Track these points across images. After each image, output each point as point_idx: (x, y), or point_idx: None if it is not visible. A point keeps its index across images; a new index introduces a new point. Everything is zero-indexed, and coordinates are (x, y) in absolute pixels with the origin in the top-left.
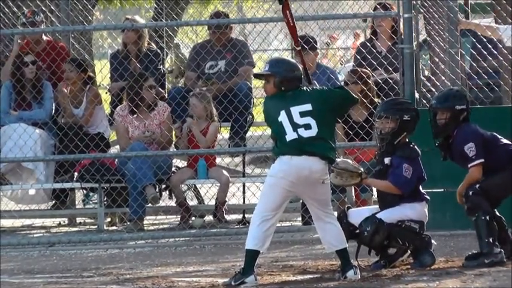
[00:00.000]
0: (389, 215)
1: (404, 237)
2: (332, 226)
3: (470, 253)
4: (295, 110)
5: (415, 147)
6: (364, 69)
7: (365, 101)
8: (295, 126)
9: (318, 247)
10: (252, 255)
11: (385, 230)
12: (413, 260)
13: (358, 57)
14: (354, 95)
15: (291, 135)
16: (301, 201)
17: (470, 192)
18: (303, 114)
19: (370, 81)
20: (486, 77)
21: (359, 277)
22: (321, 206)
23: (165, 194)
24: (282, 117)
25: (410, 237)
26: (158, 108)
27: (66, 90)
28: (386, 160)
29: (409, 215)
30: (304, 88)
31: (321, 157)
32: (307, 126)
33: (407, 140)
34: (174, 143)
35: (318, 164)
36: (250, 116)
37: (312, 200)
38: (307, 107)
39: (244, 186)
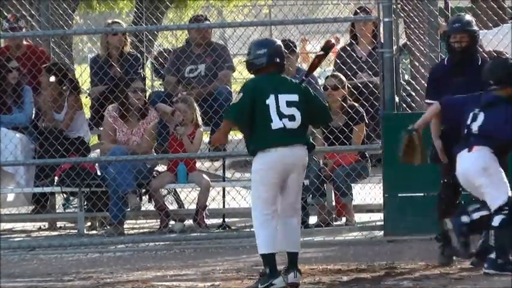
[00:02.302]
0: None
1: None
2: (295, 223)
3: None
4: (283, 98)
5: None
6: (343, 75)
7: (345, 105)
8: (281, 116)
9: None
10: (269, 258)
11: None
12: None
13: (338, 61)
14: (330, 115)
15: (276, 123)
16: None
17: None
18: (289, 104)
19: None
20: None
21: (299, 282)
22: (297, 195)
23: (145, 198)
24: (271, 101)
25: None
26: (148, 119)
27: (46, 95)
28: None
29: None
30: (289, 78)
31: (303, 143)
32: (292, 118)
33: None
34: (153, 147)
35: (302, 150)
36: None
37: (292, 188)
38: (294, 97)
39: (224, 190)
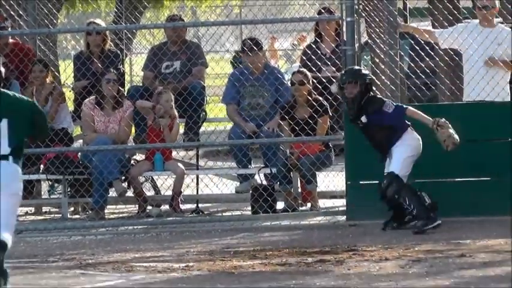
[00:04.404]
0: (399, 165)
1: (411, 201)
2: None
3: None
4: None
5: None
6: (309, 70)
7: (310, 99)
8: None
9: (266, 234)
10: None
11: (398, 183)
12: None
13: (304, 58)
14: None
15: None
16: (250, 191)
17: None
18: None
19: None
20: (423, 77)
21: None
22: None
23: (124, 184)
24: None
25: (416, 203)
26: (124, 108)
27: (32, 89)
28: (364, 119)
29: (408, 152)
30: None
31: None
32: None
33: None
34: (133, 137)
35: None
36: (204, 113)
37: None
38: None
39: (197, 178)
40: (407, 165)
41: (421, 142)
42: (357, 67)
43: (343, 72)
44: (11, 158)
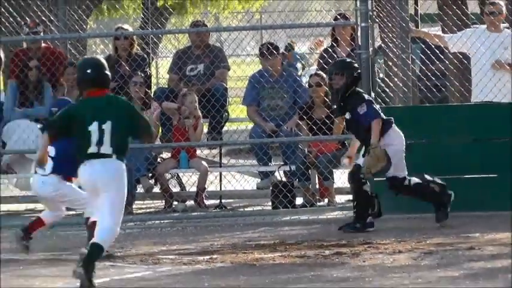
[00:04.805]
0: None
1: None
2: None
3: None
4: None
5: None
6: (325, 73)
7: (327, 100)
8: None
9: (286, 228)
10: None
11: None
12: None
13: (321, 61)
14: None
15: None
16: (270, 188)
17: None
18: None
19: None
20: (434, 79)
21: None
22: None
23: (151, 181)
24: None
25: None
26: (151, 109)
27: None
28: (347, 116)
29: (395, 147)
30: None
31: None
32: None
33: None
34: (159, 137)
35: None
36: (226, 113)
37: None
38: None
39: (221, 174)
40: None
41: (403, 138)
42: (348, 59)
43: (332, 62)
44: (114, 156)
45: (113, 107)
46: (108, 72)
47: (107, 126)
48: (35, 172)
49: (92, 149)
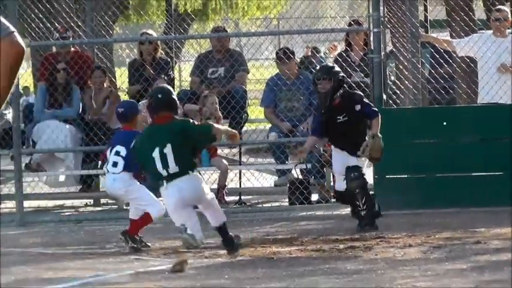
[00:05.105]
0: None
1: (367, 202)
2: None
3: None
4: None
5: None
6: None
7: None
8: None
9: (302, 223)
10: None
11: (364, 180)
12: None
13: (336, 65)
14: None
15: None
16: (287, 185)
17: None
18: None
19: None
20: (442, 82)
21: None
22: None
23: None
24: None
25: (370, 205)
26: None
27: (92, 92)
28: (342, 118)
29: None
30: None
31: None
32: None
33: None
34: None
35: None
36: (245, 114)
37: None
38: None
39: (240, 172)
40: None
41: None
42: (330, 65)
43: (318, 68)
44: (184, 172)
45: (169, 129)
46: (175, 97)
47: (168, 150)
48: (107, 171)
49: (163, 173)
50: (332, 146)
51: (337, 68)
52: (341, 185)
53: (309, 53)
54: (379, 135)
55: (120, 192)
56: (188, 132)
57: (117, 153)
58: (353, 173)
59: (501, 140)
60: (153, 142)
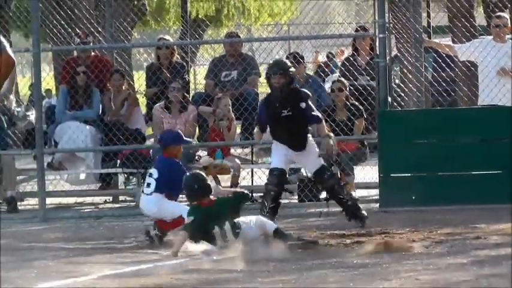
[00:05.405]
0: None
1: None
2: None
3: None
4: None
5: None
6: (347, 79)
7: (348, 103)
8: None
9: (311, 219)
10: None
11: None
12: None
13: (343, 69)
14: None
15: None
16: (297, 183)
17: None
18: None
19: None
20: (444, 85)
21: None
22: None
23: None
24: None
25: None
26: (188, 111)
27: (111, 95)
28: (287, 111)
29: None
30: None
31: None
32: None
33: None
34: (197, 137)
35: None
36: (257, 116)
37: None
38: None
39: (252, 171)
40: None
41: None
42: (283, 60)
43: (272, 63)
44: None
45: (219, 209)
46: (208, 182)
47: (227, 226)
48: (142, 191)
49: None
50: (274, 140)
51: (290, 64)
52: (273, 180)
53: (318, 57)
54: (331, 134)
55: (152, 212)
56: (232, 210)
57: (151, 175)
58: (325, 174)
59: (500, 141)
60: (211, 222)
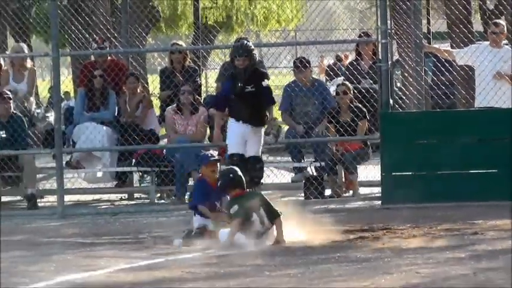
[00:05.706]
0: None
1: None
2: None
3: None
4: None
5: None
6: (351, 83)
7: (352, 106)
8: None
9: (316, 216)
10: None
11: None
12: None
13: (347, 72)
14: None
15: None
16: (303, 181)
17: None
18: None
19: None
20: (444, 88)
21: None
22: None
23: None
24: None
25: None
26: (199, 113)
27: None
28: (251, 88)
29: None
30: None
31: None
32: None
33: None
34: (208, 137)
35: None
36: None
37: None
38: None
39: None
40: None
41: None
42: (248, 43)
43: (237, 46)
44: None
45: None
46: (242, 176)
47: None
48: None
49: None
50: (232, 120)
51: (253, 47)
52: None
53: (324, 61)
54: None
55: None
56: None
57: None
58: (259, 164)
59: (497, 141)
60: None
